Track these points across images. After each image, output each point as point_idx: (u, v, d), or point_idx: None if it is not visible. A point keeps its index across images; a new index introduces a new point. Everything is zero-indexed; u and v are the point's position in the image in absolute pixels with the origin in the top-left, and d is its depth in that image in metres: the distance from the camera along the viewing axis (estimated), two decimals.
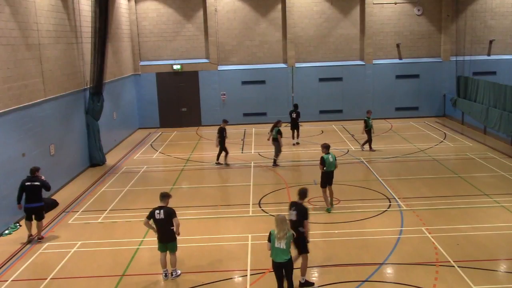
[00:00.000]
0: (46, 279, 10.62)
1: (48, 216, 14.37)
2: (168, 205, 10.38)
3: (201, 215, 14.13)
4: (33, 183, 12.58)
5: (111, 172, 19.30)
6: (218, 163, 19.69)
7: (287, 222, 9.15)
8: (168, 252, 10.43)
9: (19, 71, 14.67)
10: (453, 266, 10.53)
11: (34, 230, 12.80)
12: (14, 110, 14.16)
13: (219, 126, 19.77)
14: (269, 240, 8.99)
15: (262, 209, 14.47)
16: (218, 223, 13.63)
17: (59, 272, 10.95)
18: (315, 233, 12.67)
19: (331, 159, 14.01)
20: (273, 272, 9.16)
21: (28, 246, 12.38)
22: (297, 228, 9.72)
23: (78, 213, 14.79)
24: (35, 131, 15.45)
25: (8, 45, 14.08)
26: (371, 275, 10.31)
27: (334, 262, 10.92)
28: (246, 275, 10.52)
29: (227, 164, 19.66)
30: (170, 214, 10.15)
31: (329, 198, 14.36)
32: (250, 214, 14.21)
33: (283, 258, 8.87)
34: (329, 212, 14.09)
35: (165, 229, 10.22)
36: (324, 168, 14.01)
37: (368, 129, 20.85)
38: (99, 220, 14.11)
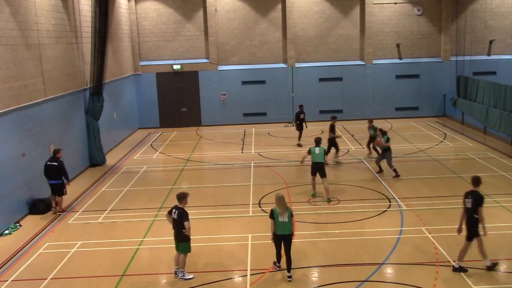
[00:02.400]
0: (46, 279, 10.62)
1: (48, 216, 14.44)
2: (179, 206, 10.38)
3: (201, 215, 14.13)
4: (52, 163, 14.51)
5: (111, 172, 19.30)
6: (337, 161, 19.28)
7: (284, 199, 10.27)
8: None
9: (19, 71, 14.66)
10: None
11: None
12: (14, 110, 14.16)
13: (330, 123, 19.48)
14: (272, 217, 10.22)
15: (262, 209, 14.47)
16: (218, 223, 13.63)
17: (59, 272, 10.95)
18: (315, 233, 12.71)
19: (317, 152, 15.07)
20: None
21: (28, 246, 12.41)
22: (473, 215, 10.22)
23: (78, 213, 14.79)
24: (35, 131, 15.45)
25: (8, 45, 14.08)
26: (371, 275, 10.31)
27: (334, 262, 10.92)
28: (246, 275, 10.52)
29: (337, 162, 19.29)
30: (182, 216, 10.23)
31: (317, 187, 15.40)
32: (250, 214, 14.21)
33: (285, 232, 10.15)
34: (314, 197, 15.27)
35: (178, 229, 10.34)
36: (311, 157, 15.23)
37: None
38: (99, 220, 14.11)
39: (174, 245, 10.59)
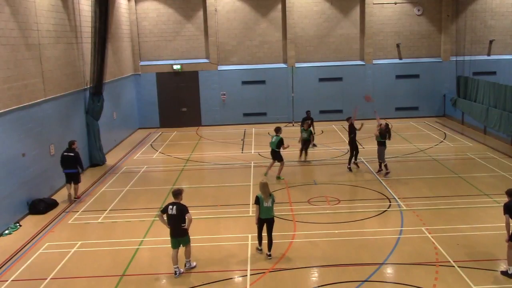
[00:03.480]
0: (46, 279, 10.62)
1: (49, 216, 14.44)
2: (176, 201, 10.53)
3: (201, 215, 14.12)
4: (68, 153, 15.47)
5: (111, 172, 19.29)
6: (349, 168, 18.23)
7: (268, 186, 11.10)
8: (181, 246, 10.63)
9: (19, 71, 14.66)
10: (453, 266, 10.53)
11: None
12: (14, 110, 14.15)
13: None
14: (257, 203, 11.01)
15: None
16: (218, 223, 13.64)
17: (59, 272, 10.95)
18: (315, 233, 12.70)
19: (273, 140, 17.31)
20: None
21: (28, 246, 12.41)
22: None
23: (78, 213, 14.79)
24: (35, 131, 15.45)
25: (8, 45, 14.07)
26: (371, 275, 10.31)
27: (334, 262, 10.92)
28: (246, 275, 10.52)
29: (349, 168, 18.20)
30: (182, 210, 10.33)
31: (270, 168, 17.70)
32: (250, 214, 14.19)
33: (269, 215, 11.09)
34: (265, 176, 17.33)
35: (177, 224, 10.39)
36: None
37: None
38: (99, 220, 14.11)
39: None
